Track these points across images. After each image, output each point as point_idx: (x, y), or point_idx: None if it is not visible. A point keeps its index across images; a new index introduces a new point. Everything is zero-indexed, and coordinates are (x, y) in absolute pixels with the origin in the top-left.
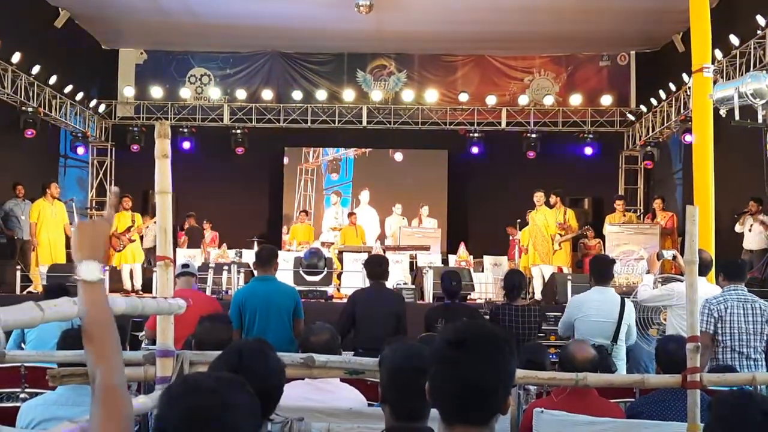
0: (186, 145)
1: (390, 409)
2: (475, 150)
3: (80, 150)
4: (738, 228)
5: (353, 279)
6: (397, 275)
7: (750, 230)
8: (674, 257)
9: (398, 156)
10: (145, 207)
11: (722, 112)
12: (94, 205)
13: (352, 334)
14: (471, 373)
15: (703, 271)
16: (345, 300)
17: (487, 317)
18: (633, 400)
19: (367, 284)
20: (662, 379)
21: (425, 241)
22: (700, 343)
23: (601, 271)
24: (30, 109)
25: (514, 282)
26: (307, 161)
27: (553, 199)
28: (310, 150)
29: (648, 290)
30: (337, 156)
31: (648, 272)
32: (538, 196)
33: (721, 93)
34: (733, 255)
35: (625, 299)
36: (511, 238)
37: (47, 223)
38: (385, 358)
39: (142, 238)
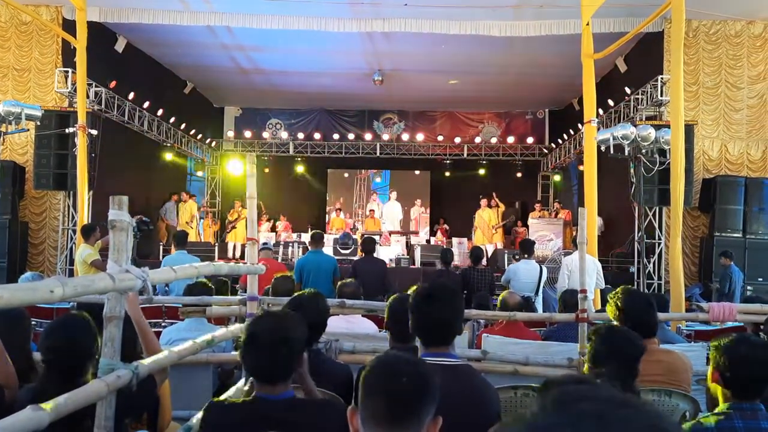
0: (266, 169)
1: (390, 334)
2: (447, 172)
3: (199, 171)
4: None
5: None
6: (398, 250)
7: None
8: None
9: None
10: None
11: (603, 148)
12: (208, 204)
13: None
14: (437, 314)
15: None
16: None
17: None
18: (545, 329)
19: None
20: (564, 316)
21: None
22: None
23: (526, 248)
24: (168, 144)
25: (478, 254)
26: (359, 174)
27: (493, 201)
28: (354, 171)
29: (563, 280)
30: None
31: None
32: (484, 202)
33: (602, 136)
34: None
35: (542, 266)
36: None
37: (183, 214)
38: (390, 304)
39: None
